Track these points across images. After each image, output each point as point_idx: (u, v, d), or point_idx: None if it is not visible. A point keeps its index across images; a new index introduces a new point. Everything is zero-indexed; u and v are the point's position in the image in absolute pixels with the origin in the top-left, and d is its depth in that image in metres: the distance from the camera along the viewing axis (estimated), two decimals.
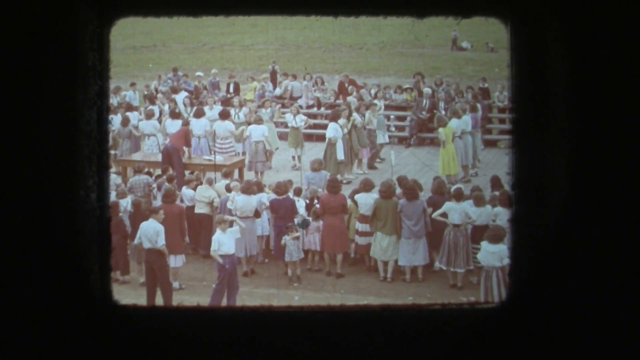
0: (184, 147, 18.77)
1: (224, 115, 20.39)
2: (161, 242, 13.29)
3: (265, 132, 19.87)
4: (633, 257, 2.40)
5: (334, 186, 15.05)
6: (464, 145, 19.60)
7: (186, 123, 19.65)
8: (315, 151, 20.96)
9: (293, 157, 20.84)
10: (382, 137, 21.17)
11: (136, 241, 13.90)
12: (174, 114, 20.98)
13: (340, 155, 19.29)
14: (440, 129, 19.18)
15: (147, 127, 20.77)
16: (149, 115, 21.01)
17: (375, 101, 22.35)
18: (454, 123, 19.43)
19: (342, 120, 19.79)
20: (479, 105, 21.61)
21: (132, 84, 25.50)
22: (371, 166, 20.67)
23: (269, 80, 26.64)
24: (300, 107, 24.75)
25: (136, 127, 21.02)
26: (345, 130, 19.70)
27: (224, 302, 13.17)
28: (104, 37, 2.70)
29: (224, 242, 13.39)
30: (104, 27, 2.69)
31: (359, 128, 20.36)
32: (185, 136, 18.83)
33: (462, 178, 19.12)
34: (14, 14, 2.39)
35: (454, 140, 19.31)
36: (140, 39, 37.78)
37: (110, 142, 20.76)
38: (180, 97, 23.64)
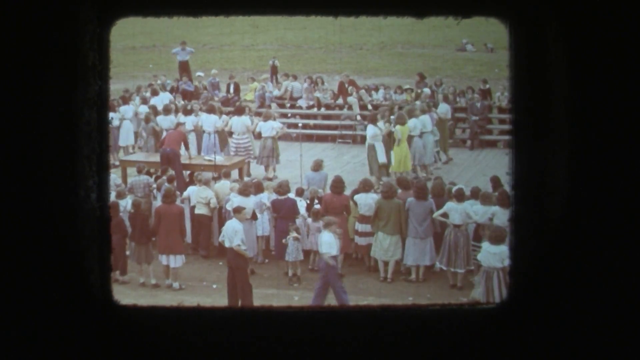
0: (183, 150, 18.74)
1: (240, 111, 20.47)
2: (237, 241, 13.25)
3: (275, 126, 19.93)
4: (633, 257, 2.40)
5: (337, 186, 15.03)
6: (423, 144, 19.77)
7: (180, 125, 19.49)
8: (315, 151, 20.97)
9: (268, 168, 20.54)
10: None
11: (220, 239, 13.91)
12: (187, 111, 21.13)
13: (382, 157, 19.25)
14: (398, 127, 19.24)
15: (165, 122, 20.88)
16: (167, 111, 21.11)
17: (417, 103, 22.41)
18: (411, 123, 19.56)
19: (380, 123, 19.73)
20: (442, 106, 21.81)
21: (150, 85, 25.59)
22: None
23: (268, 80, 26.69)
24: (301, 107, 24.77)
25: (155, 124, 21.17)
26: (384, 132, 19.62)
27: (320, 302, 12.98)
28: (104, 37, 2.70)
29: (334, 243, 13.28)
30: (104, 27, 2.69)
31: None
32: (183, 139, 18.76)
33: (424, 177, 19.23)
34: (14, 14, 2.39)
35: (413, 140, 19.46)
36: (140, 39, 37.81)
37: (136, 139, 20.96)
38: (161, 99, 23.62)
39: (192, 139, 20.60)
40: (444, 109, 21.93)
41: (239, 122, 20.01)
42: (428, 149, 20.08)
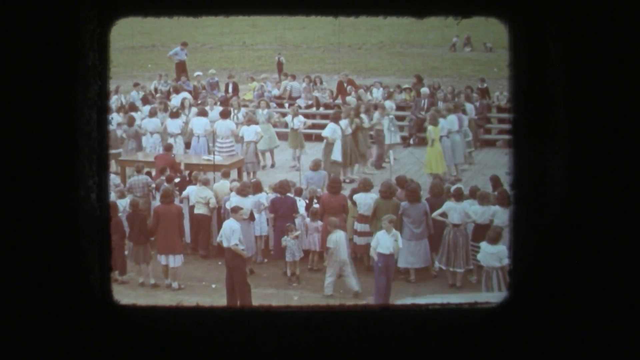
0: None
1: (225, 115, 20.41)
2: (234, 241, 13.24)
3: (258, 131, 19.94)
4: (633, 257, 2.41)
5: (334, 186, 15.04)
6: (451, 145, 19.72)
7: (169, 148, 18.78)
8: (315, 151, 20.97)
9: (294, 158, 20.89)
10: (389, 138, 21.12)
11: (217, 239, 13.90)
12: (174, 114, 21.02)
13: (336, 156, 19.23)
14: (431, 127, 19.21)
15: (150, 125, 20.81)
16: (152, 114, 21.06)
17: (387, 102, 22.38)
18: (439, 123, 19.55)
19: (344, 122, 19.77)
20: (467, 105, 21.72)
21: (136, 84, 25.49)
22: (379, 166, 20.66)
23: (274, 77, 26.79)
24: (300, 107, 24.79)
25: (139, 126, 21.06)
26: (349, 131, 19.64)
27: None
28: (104, 37, 2.70)
29: (382, 241, 13.25)
30: (104, 27, 2.68)
31: (365, 129, 20.38)
32: (171, 164, 17.51)
33: (453, 177, 19.17)
34: (14, 14, 2.39)
35: (442, 140, 19.43)
36: (140, 39, 37.79)
37: (115, 141, 20.83)
38: (179, 97, 23.61)
39: (179, 141, 20.51)
40: (467, 108, 21.90)
41: (223, 126, 19.95)
42: (457, 148, 20.01)
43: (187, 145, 20.60)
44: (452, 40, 36.22)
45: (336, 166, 19.28)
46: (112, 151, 19.49)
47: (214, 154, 18.93)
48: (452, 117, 20.11)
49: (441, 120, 19.69)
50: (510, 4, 2.67)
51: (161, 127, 20.72)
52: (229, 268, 13.37)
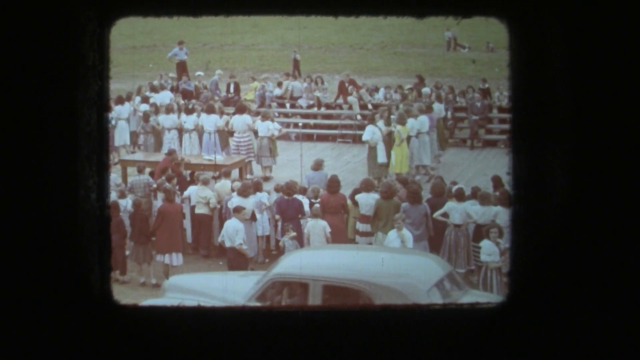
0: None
1: (241, 110, 20.63)
2: (238, 240, 13.27)
3: (271, 127, 20.05)
4: (633, 257, 2.40)
5: (332, 186, 15.05)
6: (420, 145, 19.78)
7: (171, 152, 18.56)
8: (316, 151, 20.98)
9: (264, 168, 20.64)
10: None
11: (219, 239, 13.92)
12: (189, 110, 21.29)
13: (382, 157, 19.26)
14: (399, 127, 19.24)
15: (167, 121, 20.98)
16: (169, 110, 21.24)
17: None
18: (409, 123, 19.58)
19: (380, 122, 19.75)
20: (435, 106, 21.75)
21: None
22: None
23: (269, 80, 26.75)
24: (301, 106, 24.83)
25: (156, 122, 21.24)
26: (384, 133, 19.62)
27: None
28: (104, 37, 2.70)
29: (393, 242, 13.32)
30: (104, 27, 2.68)
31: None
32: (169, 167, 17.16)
33: (427, 177, 19.24)
34: (13, 13, 2.39)
35: (410, 140, 19.48)
36: (140, 39, 37.82)
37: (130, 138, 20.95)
38: (162, 97, 23.67)
39: (194, 137, 20.69)
40: (436, 108, 22.00)
41: (240, 121, 20.18)
42: (426, 149, 20.09)
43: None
44: (445, 37, 36.23)
45: (383, 169, 19.26)
46: (128, 157, 19.62)
47: (215, 153, 18.98)
48: (424, 118, 20.17)
49: (412, 120, 19.71)
50: (510, 4, 2.67)
51: (178, 122, 20.91)
52: (231, 268, 13.38)
